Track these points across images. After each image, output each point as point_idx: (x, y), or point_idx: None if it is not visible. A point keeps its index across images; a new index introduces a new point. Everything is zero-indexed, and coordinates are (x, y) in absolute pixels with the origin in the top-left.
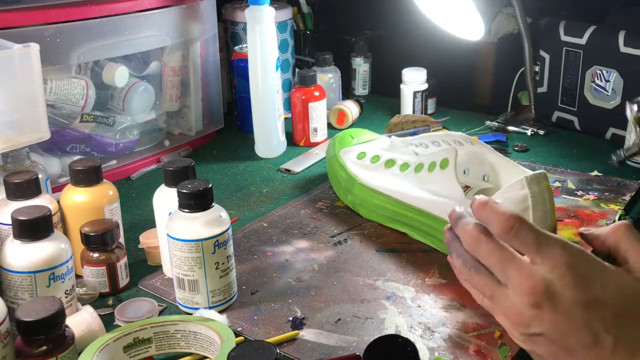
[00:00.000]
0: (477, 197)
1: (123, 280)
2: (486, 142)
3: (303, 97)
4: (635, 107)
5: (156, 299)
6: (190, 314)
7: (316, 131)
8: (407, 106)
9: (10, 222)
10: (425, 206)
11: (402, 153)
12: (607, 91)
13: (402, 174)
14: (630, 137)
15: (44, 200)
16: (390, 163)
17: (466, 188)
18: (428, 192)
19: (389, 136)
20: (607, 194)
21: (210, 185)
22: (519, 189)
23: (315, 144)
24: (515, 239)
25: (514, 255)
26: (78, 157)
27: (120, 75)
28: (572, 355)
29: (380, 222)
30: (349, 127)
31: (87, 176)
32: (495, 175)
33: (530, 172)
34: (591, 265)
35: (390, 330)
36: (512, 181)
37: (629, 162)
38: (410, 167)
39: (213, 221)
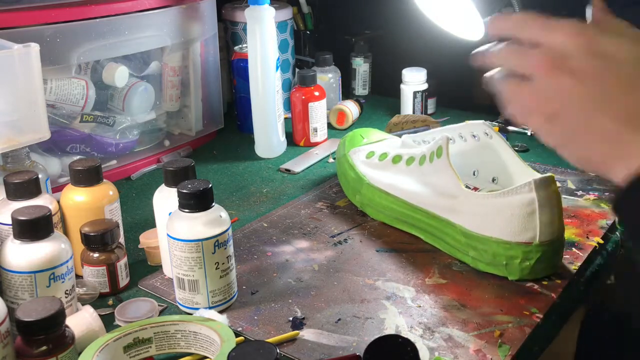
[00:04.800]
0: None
1: (123, 280)
2: None
3: (303, 97)
4: None
5: (156, 299)
6: (190, 314)
7: (316, 131)
8: (407, 106)
9: (10, 222)
10: (431, 207)
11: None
12: None
13: (407, 168)
14: None
15: (44, 200)
16: (397, 159)
17: (475, 189)
18: (428, 186)
19: (400, 135)
20: (607, 194)
21: (210, 185)
22: (526, 192)
23: (315, 144)
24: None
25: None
26: (78, 157)
27: (120, 75)
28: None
29: (387, 223)
30: (349, 127)
31: (87, 176)
32: (506, 177)
33: (539, 176)
34: None
35: (390, 330)
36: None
37: None
38: (415, 161)
39: (213, 221)
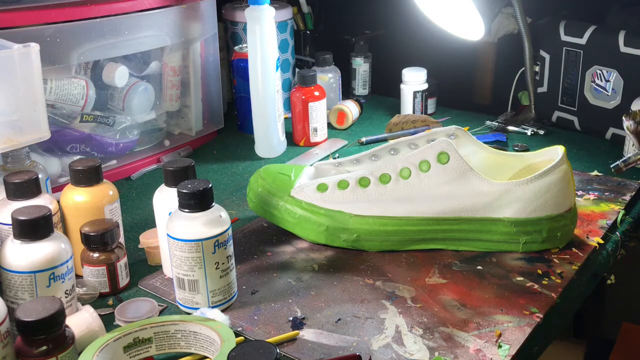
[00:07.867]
0: None
1: (123, 280)
2: (486, 142)
3: (303, 97)
4: (631, 121)
5: (156, 299)
6: (190, 314)
7: (316, 131)
8: (407, 106)
9: (10, 222)
10: (462, 212)
11: (339, 172)
12: (607, 91)
13: (387, 186)
14: (628, 148)
15: (44, 200)
16: (364, 181)
17: None
18: (450, 193)
19: (311, 165)
20: (607, 194)
21: (210, 185)
22: (561, 164)
23: (315, 144)
24: None
25: None
26: (78, 157)
27: (120, 75)
28: None
29: (394, 250)
30: (349, 127)
31: (87, 176)
32: (490, 169)
33: (558, 148)
34: None
35: (390, 330)
36: (504, 174)
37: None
38: (393, 176)
39: (213, 221)
